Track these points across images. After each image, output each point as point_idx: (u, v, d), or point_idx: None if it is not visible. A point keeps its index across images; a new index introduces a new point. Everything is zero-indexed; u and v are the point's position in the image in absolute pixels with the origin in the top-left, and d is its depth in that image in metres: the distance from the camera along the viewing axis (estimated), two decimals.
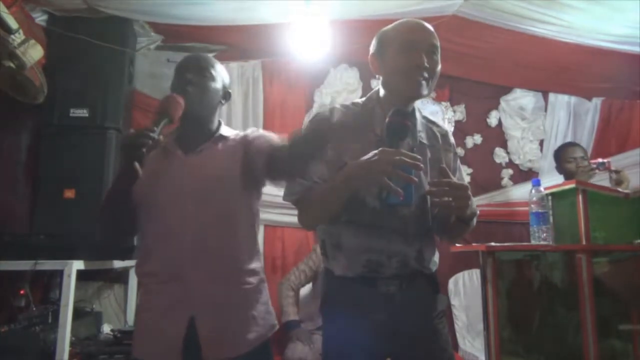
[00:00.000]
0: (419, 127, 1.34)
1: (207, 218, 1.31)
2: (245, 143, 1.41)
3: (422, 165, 1.10)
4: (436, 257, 1.38)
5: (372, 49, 1.36)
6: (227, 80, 1.48)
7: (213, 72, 1.41)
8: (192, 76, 1.35)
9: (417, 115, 1.36)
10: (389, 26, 1.34)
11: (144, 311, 1.36)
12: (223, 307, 1.29)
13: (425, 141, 1.34)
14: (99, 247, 2.24)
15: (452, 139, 1.43)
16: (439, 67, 1.30)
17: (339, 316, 1.29)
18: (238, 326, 1.31)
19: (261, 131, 1.46)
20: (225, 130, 1.45)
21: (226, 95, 1.47)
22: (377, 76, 1.38)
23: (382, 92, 1.36)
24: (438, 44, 1.29)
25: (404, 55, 1.25)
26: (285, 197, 1.31)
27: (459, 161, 1.45)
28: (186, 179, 1.34)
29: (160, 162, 1.36)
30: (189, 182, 1.33)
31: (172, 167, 1.35)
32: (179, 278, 1.28)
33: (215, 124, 1.45)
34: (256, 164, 1.32)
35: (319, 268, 2.82)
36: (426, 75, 1.25)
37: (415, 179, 1.11)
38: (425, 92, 1.27)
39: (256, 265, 1.39)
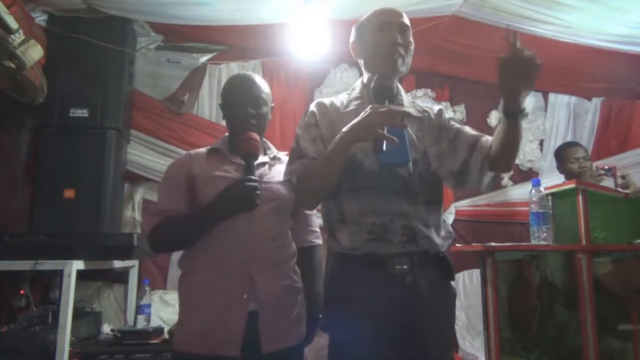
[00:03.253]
0: (406, 103, 1.40)
1: (271, 221, 1.42)
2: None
3: (411, 112, 1.20)
4: (444, 231, 1.37)
5: (351, 38, 1.45)
6: (270, 95, 1.57)
7: (265, 97, 1.52)
8: (253, 109, 1.48)
9: (402, 93, 1.42)
10: (364, 16, 1.44)
11: (198, 307, 1.36)
12: (282, 305, 1.39)
13: (414, 114, 1.39)
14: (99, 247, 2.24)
15: (436, 109, 1.47)
16: (412, 45, 1.38)
17: (344, 312, 1.26)
18: (292, 323, 1.41)
19: None
20: (275, 150, 1.59)
21: (271, 109, 1.57)
22: (359, 60, 1.45)
23: (365, 76, 1.42)
24: (409, 24, 1.39)
25: (380, 34, 1.35)
26: (285, 177, 1.36)
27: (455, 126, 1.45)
28: None
29: (225, 170, 1.44)
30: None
31: (238, 174, 1.42)
32: (239, 274, 1.34)
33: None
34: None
35: None
36: (401, 51, 1.34)
37: (395, 139, 1.12)
38: (402, 67, 1.36)
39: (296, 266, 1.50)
